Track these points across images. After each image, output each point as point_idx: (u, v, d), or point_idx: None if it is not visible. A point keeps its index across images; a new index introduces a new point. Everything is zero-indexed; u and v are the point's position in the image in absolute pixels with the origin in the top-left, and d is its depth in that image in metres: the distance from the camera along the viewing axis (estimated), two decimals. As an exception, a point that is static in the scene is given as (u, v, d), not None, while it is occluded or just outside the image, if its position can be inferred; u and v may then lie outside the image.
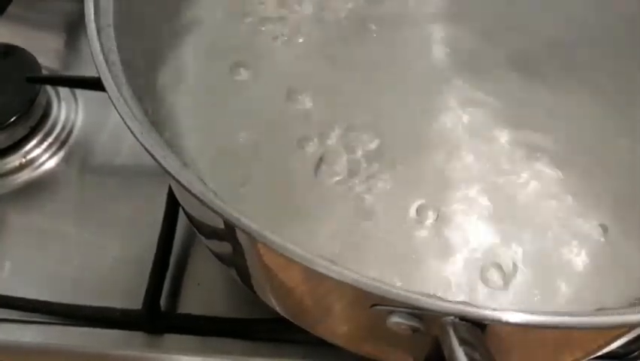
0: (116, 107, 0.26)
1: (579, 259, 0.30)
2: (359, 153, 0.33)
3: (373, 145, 0.33)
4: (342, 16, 0.38)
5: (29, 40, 0.50)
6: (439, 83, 0.35)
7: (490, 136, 0.33)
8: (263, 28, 0.38)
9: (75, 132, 0.48)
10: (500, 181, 0.32)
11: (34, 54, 0.48)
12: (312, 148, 0.33)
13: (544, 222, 0.31)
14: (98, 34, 0.29)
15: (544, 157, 0.32)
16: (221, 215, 0.23)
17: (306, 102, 0.35)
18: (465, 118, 0.34)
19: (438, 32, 0.38)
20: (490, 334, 0.22)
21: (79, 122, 0.48)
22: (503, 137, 0.33)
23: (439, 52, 0.37)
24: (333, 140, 0.33)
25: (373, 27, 0.38)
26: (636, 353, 0.37)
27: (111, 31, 0.29)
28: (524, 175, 0.32)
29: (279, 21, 0.38)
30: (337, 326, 0.30)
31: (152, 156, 0.25)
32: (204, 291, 0.40)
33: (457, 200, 0.31)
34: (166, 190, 0.42)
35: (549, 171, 0.32)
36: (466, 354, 0.21)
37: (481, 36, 0.37)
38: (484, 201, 0.31)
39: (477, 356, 0.21)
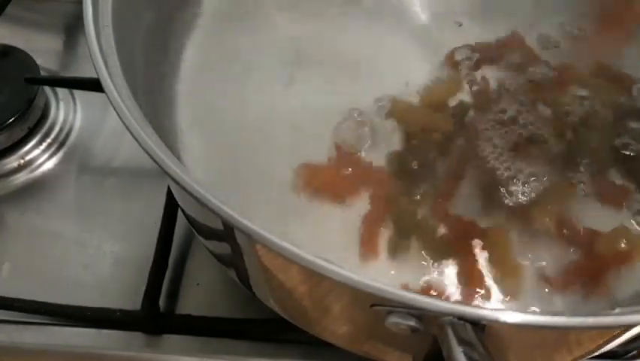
0: (114, 108, 0.26)
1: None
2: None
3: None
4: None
5: (28, 41, 0.50)
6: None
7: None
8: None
9: (73, 133, 0.48)
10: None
11: (33, 55, 0.48)
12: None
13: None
14: (96, 35, 0.28)
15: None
16: (219, 216, 0.23)
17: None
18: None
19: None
20: (489, 334, 0.22)
21: (77, 123, 0.48)
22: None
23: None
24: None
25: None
26: (634, 353, 0.37)
27: (110, 32, 0.29)
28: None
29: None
30: (336, 327, 0.30)
31: (151, 157, 0.25)
32: (203, 291, 0.40)
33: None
34: (165, 191, 0.42)
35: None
36: (465, 354, 0.21)
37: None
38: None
39: (475, 355, 0.21)
